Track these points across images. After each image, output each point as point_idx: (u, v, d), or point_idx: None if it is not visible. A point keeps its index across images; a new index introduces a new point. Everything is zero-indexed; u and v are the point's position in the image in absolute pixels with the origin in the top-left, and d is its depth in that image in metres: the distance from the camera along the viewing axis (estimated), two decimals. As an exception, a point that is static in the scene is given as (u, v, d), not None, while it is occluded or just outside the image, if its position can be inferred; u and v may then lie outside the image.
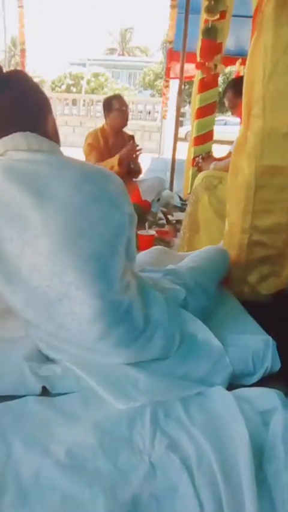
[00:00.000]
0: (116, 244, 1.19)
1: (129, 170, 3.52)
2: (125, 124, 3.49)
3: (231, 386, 1.31)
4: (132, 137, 3.59)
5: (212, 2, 3.60)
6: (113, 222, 1.17)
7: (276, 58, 1.55)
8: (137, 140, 3.57)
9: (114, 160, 3.19)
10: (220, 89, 4.89)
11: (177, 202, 4.29)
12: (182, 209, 3.82)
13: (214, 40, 3.89)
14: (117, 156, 3.21)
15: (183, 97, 11.40)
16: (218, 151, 3.11)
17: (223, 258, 1.76)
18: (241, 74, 6.57)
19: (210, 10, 3.68)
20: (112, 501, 0.92)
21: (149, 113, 14.66)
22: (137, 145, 3.37)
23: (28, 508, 0.89)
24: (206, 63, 3.98)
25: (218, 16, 3.71)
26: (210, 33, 3.82)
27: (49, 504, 0.91)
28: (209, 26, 3.80)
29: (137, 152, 3.41)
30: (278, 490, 0.97)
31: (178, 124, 5.30)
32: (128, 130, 3.65)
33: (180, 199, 4.39)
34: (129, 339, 1.24)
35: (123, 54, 35.62)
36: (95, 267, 1.15)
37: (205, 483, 0.97)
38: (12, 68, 10.30)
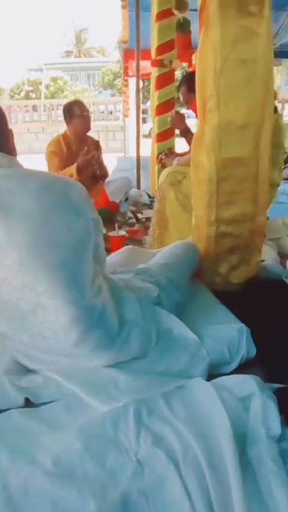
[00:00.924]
0: (84, 251, 1.20)
1: (95, 176, 3.51)
2: (87, 129, 3.47)
3: (210, 376, 1.34)
4: (97, 144, 3.58)
5: None
6: (78, 229, 1.18)
7: (226, 53, 1.58)
8: (102, 141, 3.55)
9: (72, 169, 3.17)
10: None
11: (145, 199, 4.31)
12: (151, 206, 3.84)
13: (188, 33, 3.90)
14: (75, 164, 3.19)
15: (143, 94, 11.42)
16: (183, 145, 3.13)
17: (192, 252, 1.79)
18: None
19: (178, 6, 3.68)
20: (102, 503, 0.93)
21: (111, 112, 14.65)
22: (96, 153, 3.33)
23: (18, 519, 0.90)
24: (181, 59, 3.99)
25: (186, 11, 3.71)
26: (184, 27, 3.83)
27: (39, 513, 0.91)
28: (181, 20, 3.79)
29: (97, 160, 3.40)
30: (262, 472, 1.00)
31: (139, 122, 5.31)
32: (92, 131, 3.64)
33: (149, 196, 4.41)
34: (106, 342, 1.25)
35: (80, 56, 35.37)
36: (65, 275, 1.15)
37: (192, 474, 1.00)
38: None
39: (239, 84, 1.61)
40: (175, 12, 3.70)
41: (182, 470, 1.01)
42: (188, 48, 4.01)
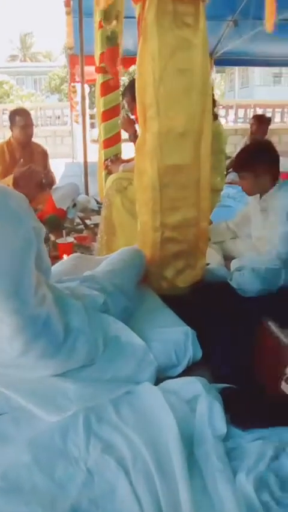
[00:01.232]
0: (25, 260, 1.19)
1: (42, 184, 3.46)
2: (28, 140, 3.42)
3: (158, 379, 1.37)
4: (44, 153, 3.54)
5: (108, 10, 3.63)
6: (19, 238, 1.17)
7: (164, 63, 1.62)
8: (50, 146, 3.48)
9: (8, 180, 3.11)
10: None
11: (94, 205, 4.29)
12: (99, 212, 3.82)
13: (117, 46, 3.93)
14: (11, 176, 3.14)
15: (91, 99, 11.39)
16: (131, 151, 3.14)
17: (138, 258, 1.81)
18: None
19: (106, 18, 3.71)
20: (51, 515, 0.93)
21: (58, 117, 14.48)
22: (33, 166, 3.29)
23: None
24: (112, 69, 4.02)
25: (114, 23, 3.75)
26: (112, 40, 3.85)
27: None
28: (109, 34, 3.82)
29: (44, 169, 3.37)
30: (209, 472, 1.03)
31: (85, 127, 5.30)
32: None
33: (97, 202, 4.39)
34: (51, 351, 1.24)
35: (25, 61, 34.76)
36: (6, 285, 1.14)
37: (141, 479, 1.01)
38: None
39: (178, 93, 1.65)
40: (103, 23, 3.73)
41: (132, 476, 1.03)
42: (115, 61, 4.05)
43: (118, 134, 4.21)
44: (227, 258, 2.22)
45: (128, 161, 3.05)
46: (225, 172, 2.74)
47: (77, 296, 1.42)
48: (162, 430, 1.13)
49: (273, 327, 1.34)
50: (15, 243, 1.16)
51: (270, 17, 5.24)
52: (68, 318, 1.30)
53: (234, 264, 2.07)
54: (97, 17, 4.01)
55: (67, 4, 5.04)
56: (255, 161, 2.05)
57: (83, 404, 1.22)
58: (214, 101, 2.33)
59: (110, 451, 1.10)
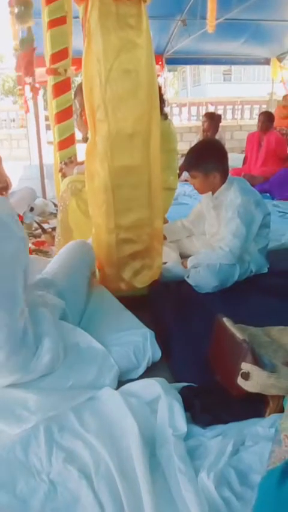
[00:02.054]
0: (16, 271, 1.18)
1: None
2: None
3: (119, 383, 1.36)
4: None
5: (22, 8, 3.56)
6: (10, 249, 1.17)
7: (109, 64, 1.61)
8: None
9: None
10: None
11: (52, 209, 4.23)
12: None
13: (32, 50, 3.87)
14: None
15: (45, 101, 11.20)
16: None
17: (87, 252, 1.80)
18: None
19: (20, 18, 3.65)
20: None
21: (13, 120, 14.18)
22: None
23: None
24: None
25: (30, 23, 3.67)
26: (26, 43, 3.81)
27: None
28: (24, 37, 3.76)
29: None
30: (171, 472, 1.04)
31: (39, 130, 5.21)
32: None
33: (55, 205, 4.34)
34: (27, 362, 1.24)
35: (-25, 62, 33.93)
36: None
37: (104, 486, 1.00)
38: None
39: (125, 94, 1.64)
40: (17, 25, 3.69)
41: (94, 483, 1.02)
42: (31, 65, 4.01)
43: (72, 136, 4.16)
44: (184, 256, 2.25)
45: (82, 163, 3.02)
46: (178, 171, 2.76)
47: (43, 303, 1.40)
48: (124, 434, 1.12)
49: (228, 323, 1.36)
50: (5, 254, 1.13)
51: (211, 18, 5.35)
52: (39, 329, 1.29)
53: (190, 262, 2.09)
54: (45, 18, 3.95)
55: (11, 4, 4.93)
56: (204, 160, 2.08)
57: (44, 414, 1.20)
58: (163, 100, 2.34)
59: (72, 460, 1.08)
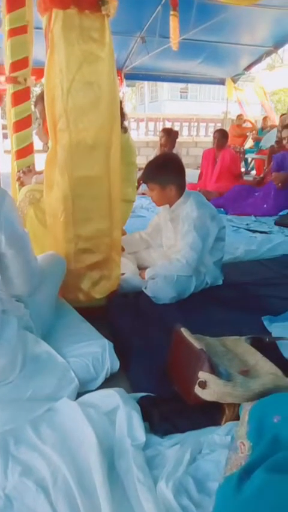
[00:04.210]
0: None
1: None
2: None
3: (77, 394, 1.34)
4: None
5: None
6: None
7: (72, 75, 1.61)
8: None
9: None
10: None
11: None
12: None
13: None
14: None
15: (3, 109, 11.01)
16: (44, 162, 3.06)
17: (58, 264, 1.76)
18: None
19: None
20: None
21: None
22: None
23: None
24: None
25: None
26: None
27: None
28: None
29: None
30: (130, 482, 1.03)
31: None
32: None
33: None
34: None
35: None
36: None
37: (62, 499, 0.98)
38: None
39: (86, 105, 1.65)
40: None
41: (52, 496, 0.99)
42: None
43: (31, 145, 4.12)
44: (141, 268, 2.27)
45: (40, 173, 2.99)
46: (136, 184, 2.80)
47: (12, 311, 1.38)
48: (82, 445, 1.11)
49: (185, 333, 1.38)
50: None
51: (174, 36, 5.50)
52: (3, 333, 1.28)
53: (148, 273, 2.11)
54: (6, 26, 3.91)
55: None
56: (162, 172, 2.13)
57: (1, 427, 1.16)
58: (123, 114, 2.38)
59: (29, 473, 1.06)
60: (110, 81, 1.67)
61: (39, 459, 1.09)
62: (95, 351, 1.45)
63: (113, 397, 1.25)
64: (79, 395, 1.33)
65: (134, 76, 9.37)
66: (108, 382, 1.44)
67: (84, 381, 1.40)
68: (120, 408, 1.20)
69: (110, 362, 1.44)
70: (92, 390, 1.37)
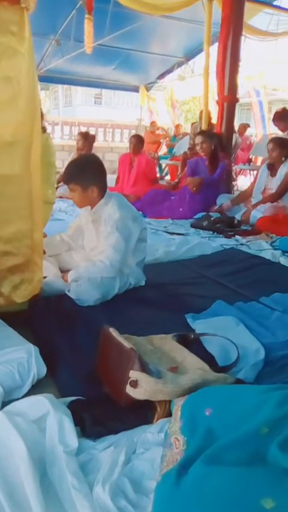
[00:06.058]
0: None
1: None
2: None
3: (2, 403, 1.26)
4: None
5: None
6: None
7: (-12, 69, 1.54)
8: None
9: None
10: None
11: None
12: None
13: None
14: None
15: None
16: None
17: None
18: None
19: None
20: None
21: None
22: None
23: None
24: None
25: None
26: None
27: None
28: None
29: None
30: (64, 490, 0.99)
31: None
32: None
33: None
34: None
35: None
36: None
37: (-10, 514, 0.92)
38: None
39: (5, 101, 1.58)
40: None
41: (-21, 513, 0.92)
42: None
43: None
44: (64, 270, 2.21)
45: None
46: (55, 186, 2.73)
47: None
48: (11, 456, 1.04)
49: (114, 333, 1.37)
50: None
51: (88, 40, 5.51)
52: None
53: (70, 276, 2.07)
54: None
55: None
56: (83, 173, 2.10)
57: None
58: (42, 114, 2.31)
59: None
60: (29, 77, 1.62)
61: None
62: (20, 357, 1.37)
63: (41, 403, 1.19)
64: (4, 404, 1.26)
65: (48, 79, 9.23)
66: (35, 389, 1.37)
67: (9, 389, 1.32)
68: (50, 415, 1.15)
69: (36, 367, 1.37)
70: (18, 399, 1.30)
